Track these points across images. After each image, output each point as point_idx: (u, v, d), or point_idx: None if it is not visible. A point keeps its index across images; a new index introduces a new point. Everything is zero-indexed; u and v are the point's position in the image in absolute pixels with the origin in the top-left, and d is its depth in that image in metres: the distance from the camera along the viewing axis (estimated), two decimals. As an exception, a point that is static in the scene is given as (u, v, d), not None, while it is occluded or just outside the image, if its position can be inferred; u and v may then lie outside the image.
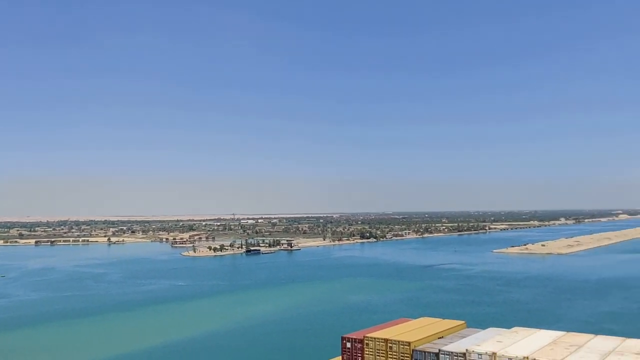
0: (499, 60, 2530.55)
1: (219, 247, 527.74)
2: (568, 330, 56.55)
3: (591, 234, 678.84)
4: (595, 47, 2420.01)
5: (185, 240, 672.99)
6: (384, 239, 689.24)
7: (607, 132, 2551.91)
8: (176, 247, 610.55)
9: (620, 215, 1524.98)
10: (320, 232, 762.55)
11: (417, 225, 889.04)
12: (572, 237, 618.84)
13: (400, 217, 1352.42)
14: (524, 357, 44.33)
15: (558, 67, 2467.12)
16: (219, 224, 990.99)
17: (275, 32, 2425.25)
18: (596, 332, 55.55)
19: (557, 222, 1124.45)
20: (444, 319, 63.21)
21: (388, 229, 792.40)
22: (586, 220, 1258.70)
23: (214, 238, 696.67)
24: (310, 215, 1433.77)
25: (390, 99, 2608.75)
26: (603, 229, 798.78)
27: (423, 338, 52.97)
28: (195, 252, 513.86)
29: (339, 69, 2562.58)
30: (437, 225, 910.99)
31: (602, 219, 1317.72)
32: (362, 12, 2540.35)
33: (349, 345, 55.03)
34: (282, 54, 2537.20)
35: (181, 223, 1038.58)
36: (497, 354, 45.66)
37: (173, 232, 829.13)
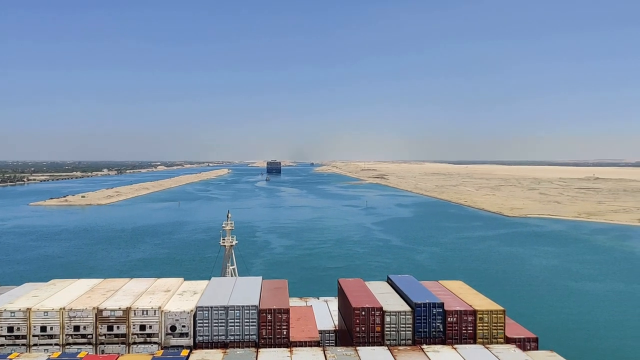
0: None
1: None
2: (105, 278, 58.48)
3: (131, 184, 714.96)
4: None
5: None
6: None
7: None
8: None
9: (159, 167, 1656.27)
10: None
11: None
12: (112, 187, 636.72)
13: None
14: (61, 308, 44.29)
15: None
16: None
17: None
18: (132, 277, 58.20)
19: (100, 173, 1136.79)
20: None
21: None
22: (128, 171, 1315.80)
23: None
24: None
25: None
26: (142, 180, 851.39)
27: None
28: None
29: None
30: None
31: (143, 170, 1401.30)
32: None
33: None
34: None
35: None
36: (32, 309, 44.21)
37: None
